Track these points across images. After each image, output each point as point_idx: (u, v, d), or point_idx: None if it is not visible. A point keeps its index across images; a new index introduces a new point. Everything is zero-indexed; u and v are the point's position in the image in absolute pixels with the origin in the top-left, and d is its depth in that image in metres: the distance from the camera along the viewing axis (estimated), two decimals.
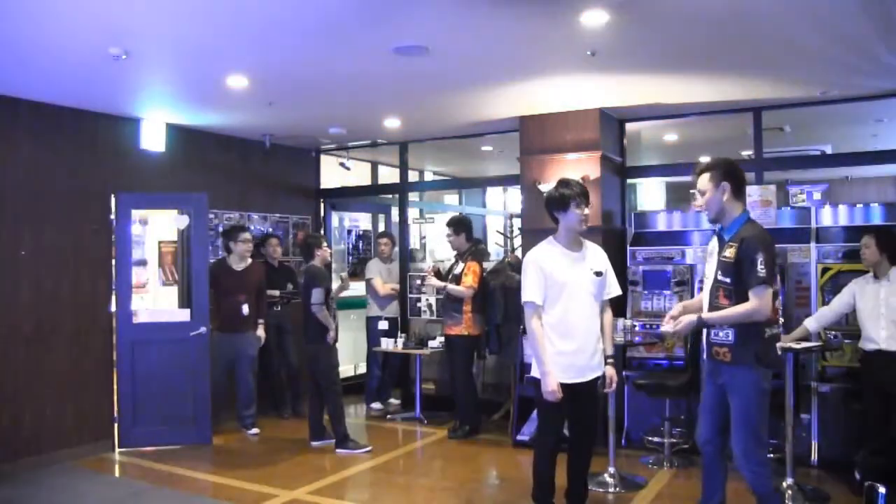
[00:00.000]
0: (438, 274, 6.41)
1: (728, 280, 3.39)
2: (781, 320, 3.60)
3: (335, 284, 6.76)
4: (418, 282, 7.09)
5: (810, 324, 4.75)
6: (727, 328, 3.38)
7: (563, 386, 3.70)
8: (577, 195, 3.77)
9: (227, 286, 6.21)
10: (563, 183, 3.86)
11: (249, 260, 6.37)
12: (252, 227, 6.91)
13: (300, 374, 6.90)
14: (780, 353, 3.46)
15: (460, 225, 6.29)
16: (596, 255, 3.91)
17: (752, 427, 3.34)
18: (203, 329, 5.96)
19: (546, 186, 5.92)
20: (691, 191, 6.00)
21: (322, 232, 7.70)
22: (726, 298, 3.40)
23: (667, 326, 3.54)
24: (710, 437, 3.58)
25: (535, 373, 3.81)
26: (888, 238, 4.55)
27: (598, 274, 3.85)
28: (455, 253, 6.35)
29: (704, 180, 3.50)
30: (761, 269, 3.24)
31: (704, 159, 3.31)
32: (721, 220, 3.52)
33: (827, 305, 4.87)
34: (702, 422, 3.64)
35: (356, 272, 7.51)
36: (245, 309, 6.21)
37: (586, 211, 3.80)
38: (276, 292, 6.69)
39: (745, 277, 3.30)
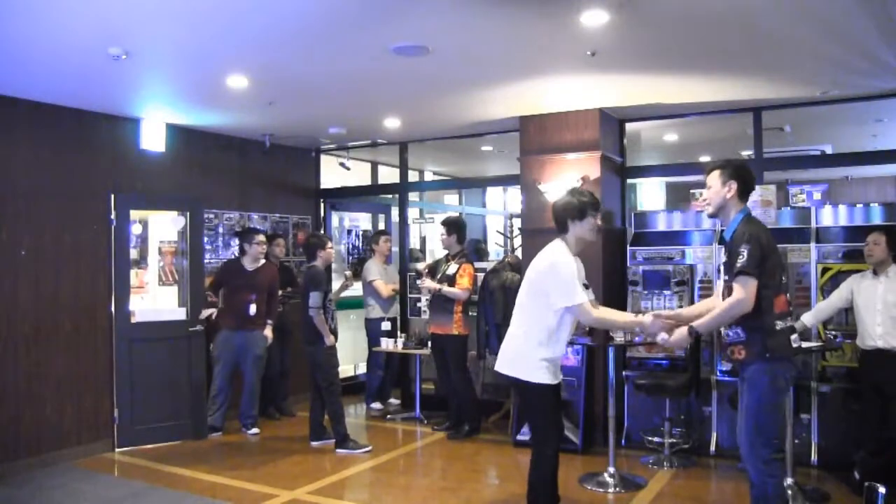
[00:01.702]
0: (431, 272, 6.42)
1: (728, 277, 3.43)
2: (792, 310, 3.57)
3: (339, 283, 6.77)
4: (418, 282, 7.09)
5: (807, 319, 4.75)
6: (737, 327, 3.37)
7: (553, 387, 3.68)
8: (594, 204, 3.72)
9: (236, 285, 6.26)
10: (578, 191, 3.81)
11: (262, 261, 6.42)
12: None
13: (291, 374, 6.93)
14: (794, 346, 3.40)
15: (453, 226, 6.30)
16: (583, 267, 3.87)
17: (758, 423, 3.34)
18: (200, 326, 6.11)
19: (546, 186, 5.93)
20: (691, 191, 6.04)
21: (322, 231, 7.70)
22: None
23: (662, 337, 3.58)
24: None
25: (528, 376, 3.64)
26: None
27: (587, 286, 3.81)
28: (446, 252, 6.36)
29: (714, 176, 3.52)
30: (742, 260, 3.26)
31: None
32: (721, 216, 3.55)
33: (825, 301, 4.87)
34: (738, 424, 3.59)
35: (356, 272, 7.51)
36: (252, 308, 6.24)
37: (599, 220, 3.77)
38: (279, 292, 6.71)
39: (731, 270, 3.33)
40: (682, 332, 3.47)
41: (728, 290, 3.42)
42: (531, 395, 3.70)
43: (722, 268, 3.52)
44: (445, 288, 6.10)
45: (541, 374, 3.62)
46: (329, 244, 5.88)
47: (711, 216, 3.67)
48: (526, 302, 3.73)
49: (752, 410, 3.36)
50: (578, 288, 3.58)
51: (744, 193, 3.49)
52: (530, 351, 3.64)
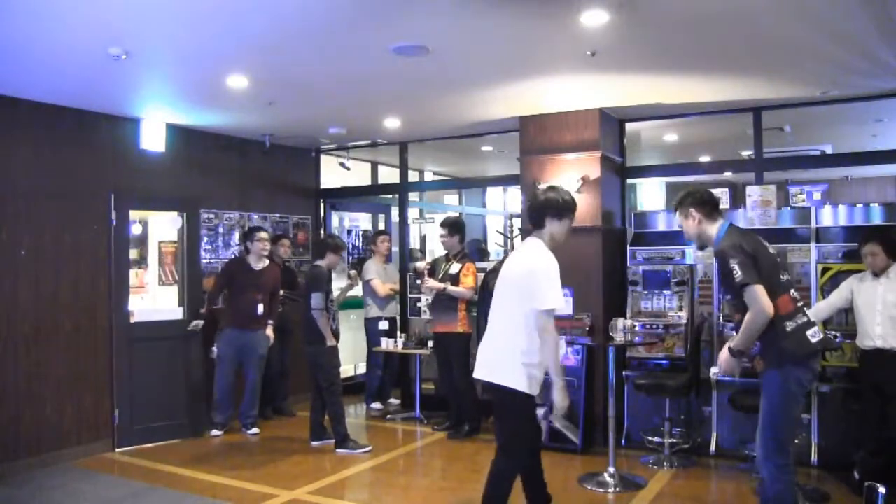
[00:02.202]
0: (431, 272, 6.43)
1: (729, 296, 3.49)
2: (801, 305, 3.56)
3: (344, 283, 6.76)
4: (419, 282, 7.09)
5: None
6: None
7: (532, 398, 3.52)
8: (573, 207, 3.66)
9: (243, 284, 6.25)
10: (561, 190, 3.73)
11: (267, 261, 6.42)
12: None
13: (291, 374, 6.93)
14: (814, 340, 3.37)
15: (454, 227, 6.30)
16: None
17: (773, 429, 3.36)
18: (199, 327, 6.16)
19: (545, 186, 5.92)
20: None
21: (323, 230, 7.70)
22: (738, 313, 3.47)
23: (714, 370, 3.62)
24: None
25: (508, 382, 3.47)
26: (894, 244, 4.52)
27: None
28: (445, 252, 6.37)
29: (679, 216, 3.63)
30: (737, 274, 3.30)
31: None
32: (707, 244, 3.62)
33: (824, 300, 4.87)
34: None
35: (359, 272, 7.52)
36: (259, 308, 6.25)
37: (571, 225, 3.70)
38: (281, 292, 6.72)
39: (733, 289, 3.37)
40: (723, 355, 3.48)
41: (734, 309, 3.46)
42: (510, 401, 3.50)
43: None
44: (451, 287, 6.11)
45: (522, 381, 3.44)
46: (342, 251, 5.89)
47: (701, 248, 3.74)
48: (509, 305, 3.53)
49: (767, 418, 3.38)
50: (561, 294, 3.48)
51: (712, 213, 3.56)
52: (514, 356, 3.46)
